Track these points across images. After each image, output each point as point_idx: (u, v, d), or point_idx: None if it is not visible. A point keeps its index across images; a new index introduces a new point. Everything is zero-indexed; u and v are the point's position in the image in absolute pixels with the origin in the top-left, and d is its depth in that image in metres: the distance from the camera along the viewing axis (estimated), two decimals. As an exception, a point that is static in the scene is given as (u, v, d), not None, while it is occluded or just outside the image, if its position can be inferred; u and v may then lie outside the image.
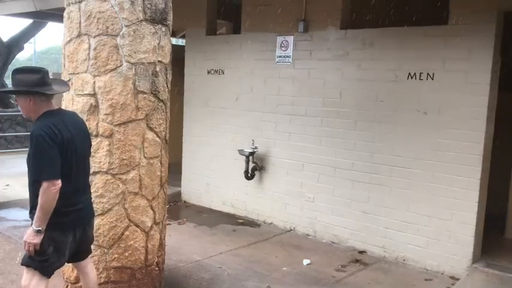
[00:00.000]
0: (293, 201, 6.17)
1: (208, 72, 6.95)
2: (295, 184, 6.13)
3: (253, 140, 6.40)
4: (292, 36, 6.02)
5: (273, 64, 6.22)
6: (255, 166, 6.42)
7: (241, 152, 6.41)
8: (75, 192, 3.11)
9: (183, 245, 5.38)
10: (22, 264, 3.07)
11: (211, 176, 7.03)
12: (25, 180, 8.31)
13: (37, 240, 2.93)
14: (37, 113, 3.07)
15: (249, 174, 6.43)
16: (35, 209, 2.99)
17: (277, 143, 6.26)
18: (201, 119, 7.06)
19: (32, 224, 2.98)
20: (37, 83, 3.00)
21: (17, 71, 3.07)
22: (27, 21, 14.59)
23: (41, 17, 8.26)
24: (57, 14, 8.06)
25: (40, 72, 3.06)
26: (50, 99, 3.10)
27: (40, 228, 2.91)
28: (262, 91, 6.36)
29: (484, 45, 4.65)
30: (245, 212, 6.68)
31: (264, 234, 6.02)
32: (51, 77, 3.35)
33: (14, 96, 3.18)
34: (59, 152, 2.95)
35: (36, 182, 2.92)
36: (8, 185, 8.02)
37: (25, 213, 6.45)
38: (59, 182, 2.91)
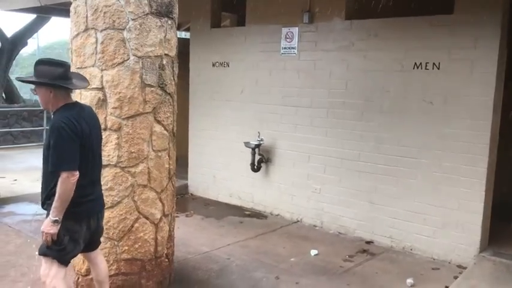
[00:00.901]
0: (300, 192, 6.19)
1: (213, 65, 6.97)
2: (302, 176, 6.15)
3: (259, 132, 6.42)
4: (297, 28, 6.01)
5: (278, 56, 6.22)
6: (261, 158, 6.45)
7: (247, 144, 6.44)
8: (89, 184, 3.17)
9: (191, 237, 5.42)
10: (40, 254, 3.12)
11: (218, 169, 7.06)
12: (32, 175, 8.41)
13: (54, 230, 2.99)
14: (55, 105, 3.11)
15: (255, 167, 6.46)
16: (48, 200, 3.05)
17: (283, 134, 6.27)
18: (207, 112, 7.07)
19: (48, 214, 3.03)
20: (59, 76, 3.03)
21: (40, 62, 3.10)
22: (31, 17, 14.63)
23: (45, 11, 8.28)
24: (61, 9, 8.11)
25: (63, 66, 3.10)
26: (70, 92, 3.15)
27: (57, 218, 2.97)
28: (268, 83, 6.37)
29: (490, 34, 4.64)
30: (252, 204, 6.71)
31: (271, 226, 6.05)
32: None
33: (33, 86, 3.20)
34: (78, 143, 3.00)
35: (55, 172, 2.95)
36: (15, 180, 8.08)
37: (33, 208, 6.57)
38: (77, 173, 2.96)
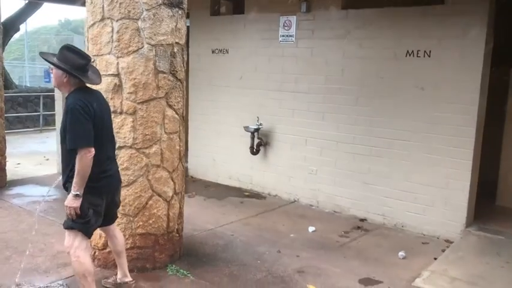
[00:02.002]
0: (297, 174, 6.51)
1: (213, 52, 7.21)
2: (299, 158, 6.47)
3: (258, 117, 6.70)
4: (295, 16, 6.28)
5: (277, 43, 6.49)
6: (260, 142, 6.74)
7: (246, 128, 6.72)
8: (106, 160, 3.44)
9: (196, 216, 5.72)
10: (65, 228, 3.39)
11: (218, 152, 7.35)
12: (35, 159, 8.65)
13: (76, 203, 3.26)
14: (68, 89, 3.37)
15: (254, 150, 6.76)
16: (69, 182, 3.31)
17: (282, 119, 6.57)
18: (206, 98, 7.33)
19: (70, 190, 3.30)
20: (79, 67, 3.28)
21: (67, 48, 3.35)
22: (22, 2, 14.68)
23: (53, 0, 8.40)
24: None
25: (86, 59, 3.36)
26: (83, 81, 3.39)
27: (78, 193, 3.24)
28: (266, 70, 6.64)
29: (478, 23, 4.95)
30: (251, 185, 7.03)
31: (270, 205, 6.38)
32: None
33: (49, 65, 3.44)
34: (92, 123, 3.26)
35: (73, 150, 3.22)
36: (19, 164, 8.30)
37: (41, 190, 6.83)
38: (93, 150, 3.23)
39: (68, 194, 3.32)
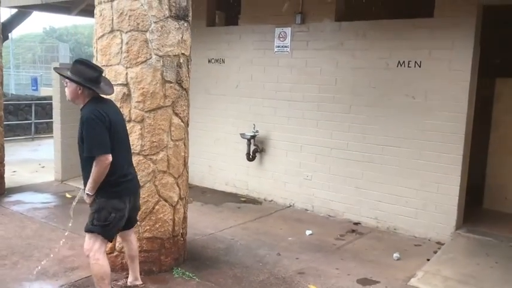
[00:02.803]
0: (292, 179, 6.72)
1: (209, 61, 7.40)
2: (294, 164, 6.67)
3: (254, 124, 6.90)
4: (289, 28, 6.51)
5: (272, 54, 6.71)
6: (256, 148, 6.94)
7: (243, 135, 6.91)
8: (125, 165, 3.61)
9: (196, 221, 5.86)
10: (86, 231, 3.54)
11: (214, 159, 7.52)
12: (30, 167, 8.74)
13: (88, 201, 3.50)
14: (83, 100, 3.53)
15: (250, 156, 6.95)
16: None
17: (277, 126, 6.78)
18: (203, 106, 7.51)
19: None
20: (92, 79, 3.45)
21: (80, 62, 3.52)
22: (12, 10, 14.68)
23: (48, 9, 8.52)
24: (62, 7, 8.37)
25: (98, 71, 3.53)
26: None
27: (89, 192, 3.45)
28: (262, 79, 6.85)
29: (466, 36, 5.23)
30: (247, 191, 7.20)
31: (266, 210, 6.56)
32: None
33: (64, 79, 3.61)
34: (108, 131, 3.43)
35: (90, 157, 3.38)
36: (15, 171, 8.35)
37: (40, 197, 6.93)
38: (110, 157, 3.40)
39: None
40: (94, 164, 3.38)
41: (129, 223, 3.82)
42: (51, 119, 13.41)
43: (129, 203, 3.63)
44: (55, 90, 7.70)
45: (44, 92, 18.77)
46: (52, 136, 11.76)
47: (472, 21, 5.20)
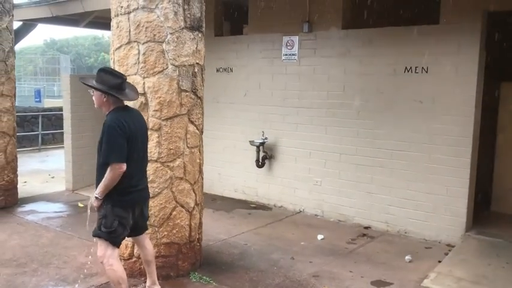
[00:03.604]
0: (302, 185, 6.81)
1: (217, 71, 7.52)
2: (304, 170, 6.77)
3: (263, 132, 7.00)
4: (297, 36, 6.63)
5: (280, 62, 6.83)
6: (265, 155, 7.03)
7: (252, 142, 7.01)
8: (137, 175, 3.68)
9: (208, 227, 5.91)
10: (93, 236, 3.64)
11: (223, 166, 7.61)
12: (40, 177, 8.85)
13: (96, 204, 3.58)
14: (108, 108, 3.64)
15: (259, 163, 7.04)
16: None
17: (286, 133, 6.88)
18: (212, 114, 7.58)
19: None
20: (115, 86, 3.56)
21: (103, 70, 3.64)
22: (18, 23, 14.85)
23: (56, 22, 8.66)
24: (71, 19, 8.51)
25: (121, 78, 3.63)
26: (122, 99, 3.66)
27: (98, 196, 3.54)
28: (270, 87, 6.96)
29: (472, 41, 5.34)
30: (256, 197, 7.29)
31: (277, 216, 6.65)
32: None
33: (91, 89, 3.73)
34: (127, 141, 3.53)
35: (106, 163, 3.48)
36: (25, 182, 8.44)
37: (52, 206, 7.02)
38: (125, 165, 3.49)
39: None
40: (108, 170, 3.47)
41: (139, 230, 3.90)
42: (57, 130, 13.65)
43: (134, 212, 3.70)
44: (65, 101, 7.81)
45: (48, 103, 18.92)
46: (59, 147, 11.96)
47: (477, 26, 5.32)
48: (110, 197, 3.56)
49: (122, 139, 3.51)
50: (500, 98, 6.38)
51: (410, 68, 5.76)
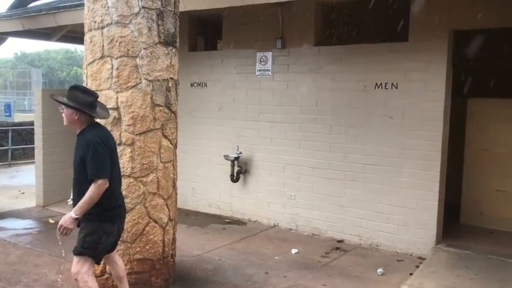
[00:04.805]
0: (276, 199, 6.84)
1: (192, 85, 7.55)
2: (278, 184, 6.81)
3: (237, 146, 7.03)
4: (270, 52, 6.72)
5: (254, 77, 6.90)
6: (240, 170, 7.05)
7: (226, 157, 7.03)
8: (117, 191, 3.69)
9: (182, 243, 5.87)
10: (75, 254, 3.56)
11: (197, 181, 7.59)
12: (8, 193, 8.64)
13: (72, 226, 3.43)
14: (80, 126, 3.60)
15: (234, 177, 7.06)
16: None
17: (260, 147, 6.93)
18: (186, 129, 7.58)
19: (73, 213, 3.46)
20: (89, 104, 3.54)
21: (76, 88, 3.62)
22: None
23: (28, 36, 8.56)
24: (43, 33, 8.43)
25: (94, 96, 3.63)
26: (93, 118, 3.64)
27: (78, 217, 3.42)
28: (244, 101, 7.02)
29: (439, 58, 5.52)
30: (231, 212, 7.29)
31: (251, 231, 6.65)
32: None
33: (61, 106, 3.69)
34: (109, 156, 3.51)
35: (91, 181, 3.42)
36: (-7, 198, 8.25)
37: (22, 223, 6.89)
38: (107, 182, 3.46)
39: (84, 224, 3.54)
40: (93, 186, 3.39)
41: (114, 245, 3.86)
42: (28, 145, 13.38)
43: (118, 227, 3.70)
44: (37, 115, 7.70)
45: (18, 118, 18.55)
46: (30, 162, 11.70)
47: (444, 44, 5.50)
48: (97, 214, 3.50)
49: (106, 155, 3.50)
50: (468, 113, 6.57)
51: (381, 84, 5.90)
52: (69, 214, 3.45)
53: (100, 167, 3.43)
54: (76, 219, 3.44)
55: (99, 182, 3.40)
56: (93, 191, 3.41)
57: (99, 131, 3.59)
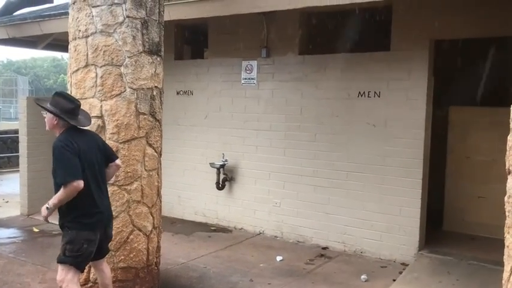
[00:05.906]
0: (261, 207, 6.88)
1: (178, 93, 7.58)
2: (263, 191, 6.85)
3: (223, 154, 7.07)
4: (255, 61, 6.79)
5: (239, 85, 6.95)
6: (226, 177, 7.08)
7: (212, 165, 7.06)
8: (97, 195, 3.64)
9: (167, 251, 5.88)
10: (58, 262, 3.56)
11: (183, 189, 7.60)
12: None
13: (46, 214, 3.54)
14: (59, 131, 3.63)
15: (220, 185, 7.08)
16: (65, 218, 3.54)
17: (246, 155, 6.97)
18: (172, 137, 7.62)
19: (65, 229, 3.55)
20: (69, 110, 3.56)
21: (59, 94, 3.65)
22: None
23: (13, 44, 8.53)
24: (29, 41, 8.41)
25: (74, 103, 3.65)
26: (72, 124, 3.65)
27: (48, 206, 3.51)
28: (230, 109, 7.06)
29: (421, 67, 5.62)
30: (216, 220, 7.30)
31: (237, 238, 6.67)
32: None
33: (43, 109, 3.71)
34: (77, 158, 3.49)
35: (63, 184, 3.42)
36: (-24, 207, 8.17)
37: (6, 232, 6.83)
38: (81, 182, 3.43)
39: (64, 232, 3.58)
40: (63, 187, 3.40)
41: (101, 253, 3.85)
42: (13, 153, 13.27)
43: (101, 234, 3.68)
44: (22, 123, 7.66)
45: (3, 125, 18.40)
46: (14, 170, 11.61)
47: (425, 54, 5.61)
48: (75, 222, 3.52)
49: (72, 156, 3.46)
50: (449, 121, 6.68)
51: (364, 92, 5.99)
52: (45, 205, 3.54)
53: (65, 170, 3.42)
54: (47, 208, 3.51)
55: (68, 185, 3.38)
56: (62, 191, 3.41)
57: (70, 134, 3.57)
